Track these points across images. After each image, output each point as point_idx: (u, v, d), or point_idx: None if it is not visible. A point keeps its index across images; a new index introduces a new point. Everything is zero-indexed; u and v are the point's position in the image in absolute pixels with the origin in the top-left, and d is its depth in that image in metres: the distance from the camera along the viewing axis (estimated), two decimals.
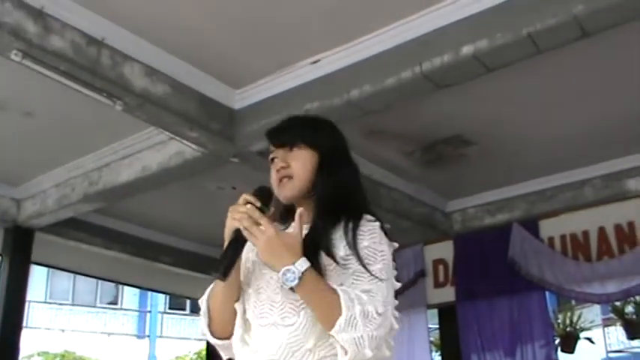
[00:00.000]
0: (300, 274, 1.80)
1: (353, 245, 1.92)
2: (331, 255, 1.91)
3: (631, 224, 5.68)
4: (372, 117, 4.49)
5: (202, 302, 2.08)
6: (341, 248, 1.92)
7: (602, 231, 5.83)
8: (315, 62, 4.19)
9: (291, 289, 1.83)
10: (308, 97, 4.21)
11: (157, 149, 4.97)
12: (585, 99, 4.65)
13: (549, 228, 6.09)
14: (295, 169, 2.04)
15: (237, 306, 2.03)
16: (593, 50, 3.96)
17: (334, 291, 1.81)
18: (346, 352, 1.76)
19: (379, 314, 1.81)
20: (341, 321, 1.75)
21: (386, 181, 5.80)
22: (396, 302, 2.00)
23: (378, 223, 2.00)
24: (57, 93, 4.08)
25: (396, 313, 1.97)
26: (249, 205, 1.90)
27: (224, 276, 1.90)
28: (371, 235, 1.96)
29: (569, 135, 5.15)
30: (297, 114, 2.39)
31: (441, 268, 6.71)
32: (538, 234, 6.11)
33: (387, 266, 1.95)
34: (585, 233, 5.91)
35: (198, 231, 6.90)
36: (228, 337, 2.04)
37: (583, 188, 5.87)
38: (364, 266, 1.90)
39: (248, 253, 2.03)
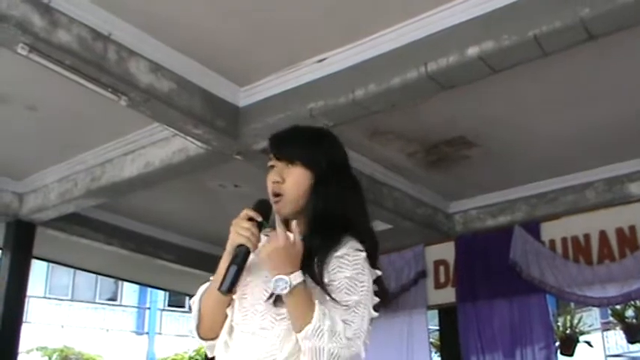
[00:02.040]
0: (292, 286, 1.89)
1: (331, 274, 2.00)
2: (316, 279, 1.97)
3: (632, 228, 5.68)
4: (377, 117, 4.49)
5: (194, 303, 2.14)
6: (324, 275, 1.99)
7: (603, 234, 5.82)
8: (320, 61, 4.19)
9: (276, 299, 1.95)
10: (313, 95, 4.21)
11: (160, 145, 4.97)
12: (589, 102, 4.65)
13: (551, 230, 6.09)
14: (288, 187, 2.09)
15: (228, 311, 2.09)
16: (598, 53, 3.96)
17: (314, 304, 1.89)
18: None
19: (347, 338, 1.88)
20: (309, 328, 1.85)
21: (388, 181, 5.81)
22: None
23: (363, 254, 2.04)
24: (61, 87, 4.08)
25: (367, 342, 2.01)
26: (252, 222, 1.99)
27: (229, 292, 1.98)
28: (354, 266, 2.00)
29: (572, 138, 5.16)
30: (302, 124, 2.42)
31: (441, 269, 6.71)
32: (539, 236, 6.10)
33: (365, 297, 2.00)
34: (587, 236, 5.90)
35: (199, 228, 6.91)
36: (214, 338, 2.11)
37: (585, 191, 5.87)
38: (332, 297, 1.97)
39: None
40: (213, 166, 5.05)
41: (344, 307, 1.93)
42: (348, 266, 1.99)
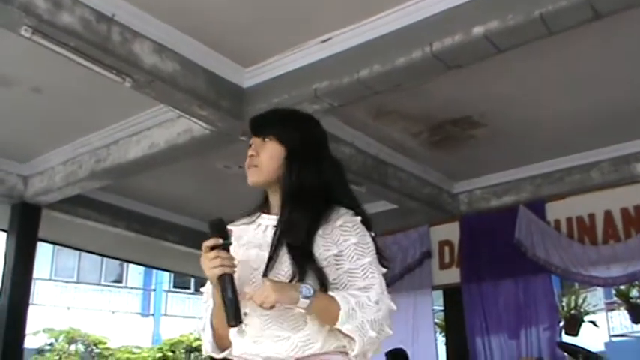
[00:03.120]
0: (309, 303, 1.93)
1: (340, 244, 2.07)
2: (313, 257, 2.03)
3: (637, 208, 5.69)
4: (381, 97, 4.48)
5: (205, 326, 2.18)
6: (331, 247, 2.05)
7: (608, 214, 5.83)
8: (325, 41, 4.17)
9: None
10: (317, 76, 4.20)
11: (165, 127, 4.97)
12: (595, 82, 4.63)
13: (556, 210, 6.10)
14: (262, 159, 2.20)
15: None
16: (604, 32, 3.93)
17: (331, 296, 1.97)
18: (354, 340, 1.94)
19: (375, 302, 1.99)
20: (342, 314, 1.92)
21: (393, 161, 5.80)
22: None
23: (359, 218, 2.13)
24: (66, 69, 4.07)
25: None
26: (216, 250, 2.01)
27: (240, 321, 2.00)
28: (356, 230, 2.10)
29: (577, 118, 5.14)
30: (281, 108, 2.56)
31: (446, 249, 6.73)
32: (544, 216, 6.12)
33: (373, 256, 2.09)
34: (592, 216, 5.91)
35: (204, 209, 6.87)
36: (230, 346, 2.15)
37: (590, 171, 5.87)
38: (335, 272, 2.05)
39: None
40: (218, 148, 5.04)
41: (361, 275, 2.03)
42: (352, 232, 2.08)
